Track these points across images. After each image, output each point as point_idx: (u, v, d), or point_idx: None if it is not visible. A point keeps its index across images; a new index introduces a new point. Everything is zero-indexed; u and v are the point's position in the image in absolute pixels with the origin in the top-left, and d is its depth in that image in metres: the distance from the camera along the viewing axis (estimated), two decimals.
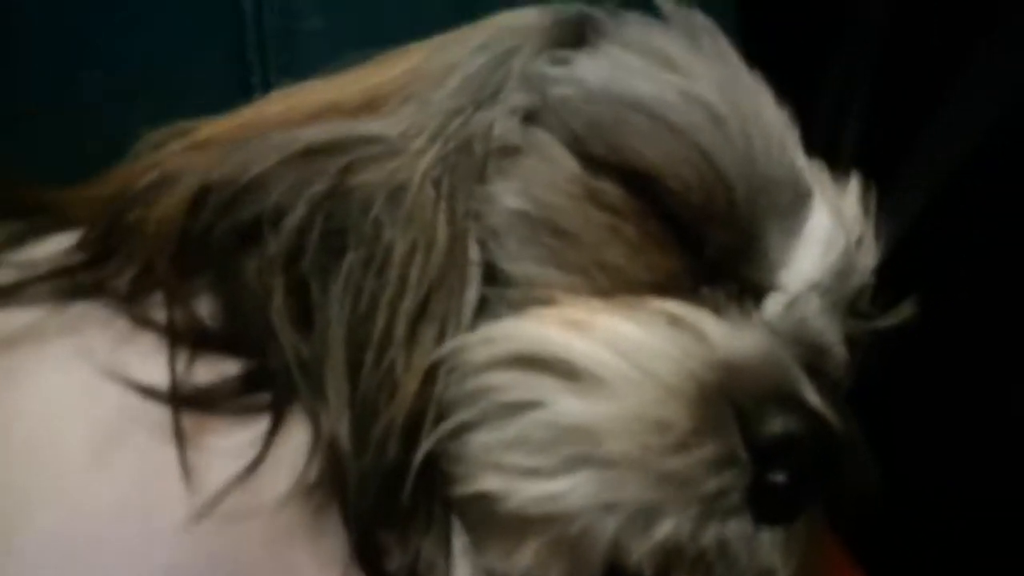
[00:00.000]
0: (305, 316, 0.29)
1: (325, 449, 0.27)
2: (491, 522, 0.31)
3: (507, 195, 0.32)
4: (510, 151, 0.32)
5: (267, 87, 0.45)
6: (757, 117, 0.33)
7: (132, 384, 0.26)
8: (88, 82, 0.46)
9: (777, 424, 0.29)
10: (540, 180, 0.32)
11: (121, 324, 0.28)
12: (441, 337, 0.30)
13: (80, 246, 0.30)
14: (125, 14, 0.46)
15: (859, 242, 0.38)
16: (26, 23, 0.46)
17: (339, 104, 0.37)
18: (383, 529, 0.28)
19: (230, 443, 0.26)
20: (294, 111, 0.37)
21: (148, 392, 0.26)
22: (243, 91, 0.46)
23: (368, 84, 0.38)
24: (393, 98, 0.36)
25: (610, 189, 0.32)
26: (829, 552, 0.33)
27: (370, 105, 0.37)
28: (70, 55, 0.46)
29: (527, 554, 0.31)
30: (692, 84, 0.33)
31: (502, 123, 0.33)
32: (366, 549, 0.28)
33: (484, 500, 0.30)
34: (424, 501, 0.30)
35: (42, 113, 0.46)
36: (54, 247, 0.30)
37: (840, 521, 0.33)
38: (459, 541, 0.31)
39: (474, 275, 0.31)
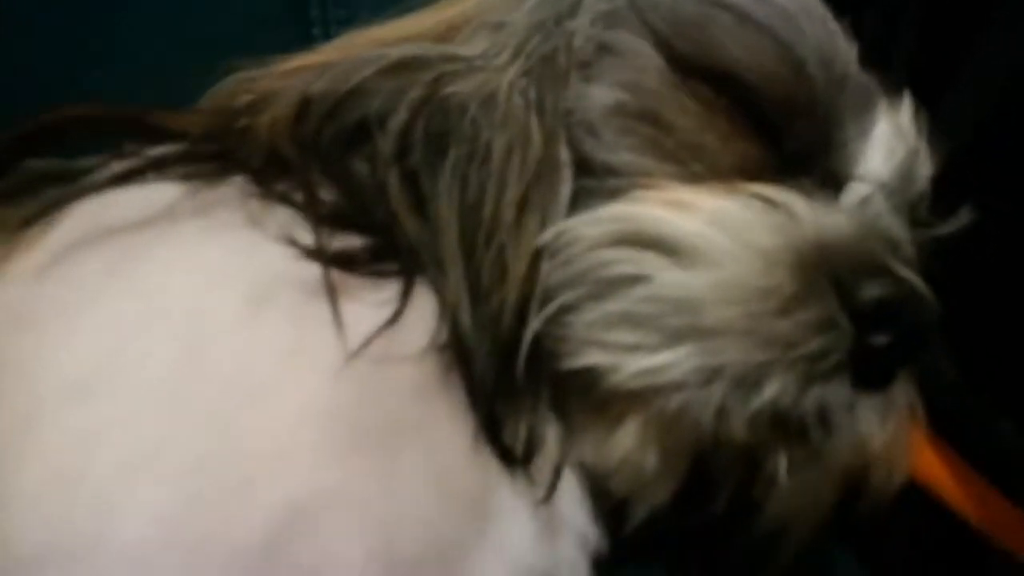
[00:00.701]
0: (419, 205, 0.31)
1: (449, 319, 0.29)
2: (592, 404, 0.32)
3: (601, 90, 0.33)
4: (599, 52, 0.34)
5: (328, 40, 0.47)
6: (825, 18, 0.35)
7: (290, 241, 0.27)
8: (149, 35, 0.47)
9: (874, 289, 0.30)
10: (632, 73, 0.33)
11: (253, 205, 0.29)
12: (543, 225, 0.31)
13: (197, 143, 0.31)
14: (129, 7, 0.48)
15: (916, 152, 0.39)
16: (27, 20, 0.47)
17: (418, 35, 0.39)
18: (502, 402, 0.30)
19: (371, 299, 0.28)
20: (376, 41, 0.39)
21: (303, 249, 0.27)
22: (305, 46, 0.48)
23: (442, 17, 0.39)
24: (465, 28, 0.38)
25: (697, 86, 0.33)
26: (919, 428, 0.34)
27: (447, 34, 0.38)
28: (132, 6, 0.47)
29: (627, 435, 0.32)
30: None
31: (585, 30, 0.34)
32: (487, 418, 0.29)
33: (588, 378, 0.31)
34: (535, 380, 0.31)
35: (102, 60, 0.47)
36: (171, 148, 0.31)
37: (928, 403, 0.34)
38: (553, 431, 0.33)
39: (568, 171, 0.33)
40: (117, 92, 0.46)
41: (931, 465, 0.37)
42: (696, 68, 0.33)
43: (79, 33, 0.48)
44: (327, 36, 0.49)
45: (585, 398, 0.32)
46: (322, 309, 0.27)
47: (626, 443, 0.33)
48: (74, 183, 0.31)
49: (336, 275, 0.28)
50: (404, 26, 0.40)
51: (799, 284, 0.30)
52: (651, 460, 0.33)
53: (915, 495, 0.36)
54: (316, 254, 0.28)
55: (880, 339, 0.30)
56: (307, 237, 0.28)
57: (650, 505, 0.35)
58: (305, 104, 0.33)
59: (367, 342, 0.27)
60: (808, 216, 0.31)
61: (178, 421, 0.25)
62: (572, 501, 0.33)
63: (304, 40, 0.49)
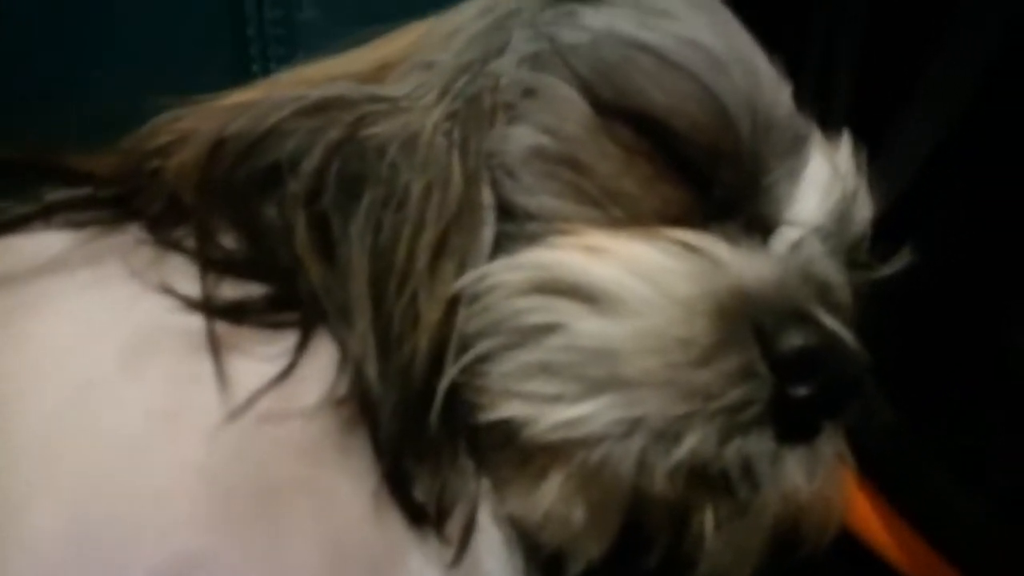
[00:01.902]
0: (326, 249, 0.30)
1: (353, 370, 0.28)
2: (514, 456, 0.31)
3: (522, 133, 0.32)
4: (522, 95, 0.33)
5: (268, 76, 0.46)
6: (753, 62, 0.35)
7: (169, 291, 0.26)
8: (90, 75, 0.47)
9: (795, 339, 0.29)
10: (554, 117, 0.33)
11: (146, 252, 0.28)
12: (461, 270, 0.31)
13: (100, 188, 0.30)
14: (126, 7, 0.47)
15: (854, 194, 0.39)
16: (27, 20, 0.47)
17: (347, 75, 0.38)
18: (411, 457, 0.28)
19: (261, 353, 0.27)
20: (304, 81, 0.38)
21: (184, 299, 0.26)
22: (245, 81, 0.47)
23: (373, 56, 0.39)
24: (399, 66, 0.37)
25: (621, 130, 0.33)
26: (849, 477, 0.33)
27: (377, 74, 0.38)
28: (71, 49, 0.47)
29: (551, 489, 0.31)
30: (690, 30, 0.34)
31: (511, 72, 0.34)
32: (394, 474, 0.28)
33: (507, 430, 0.30)
34: (450, 432, 0.30)
35: (44, 108, 0.46)
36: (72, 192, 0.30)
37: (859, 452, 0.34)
38: (481, 484, 0.32)
39: (489, 214, 0.32)
40: (119, 85, 0.46)
41: (863, 513, 0.36)
42: (618, 112, 0.32)
43: (81, 25, 0.47)
44: (266, 73, 0.49)
45: (507, 450, 0.31)
46: (205, 364, 0.26)
47: (551, 496, 0.31)
48: None
49: (227, 327, 0.27)
50: (337, 65, 0.39)
51: (719, 333, 0.29)
52: (578, 514, 0.32)
53: (847, 544, 0.35)
54: (199, 305, 0.27)
55: (800, 390, 0.29)
56: (199, 286, 0.27)
57: (584, 559, 0.34)
58: (219, 145, 0.32)
59: (251, 399, 0.25)
60: (730, 262, 0.31)
61: (51, 477, 0.24)
62: (496, 558, 0.32)
63: (244, 77, 0.49)
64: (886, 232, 0.40)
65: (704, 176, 0.33)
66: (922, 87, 0.45)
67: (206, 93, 0.39)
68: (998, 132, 0.41)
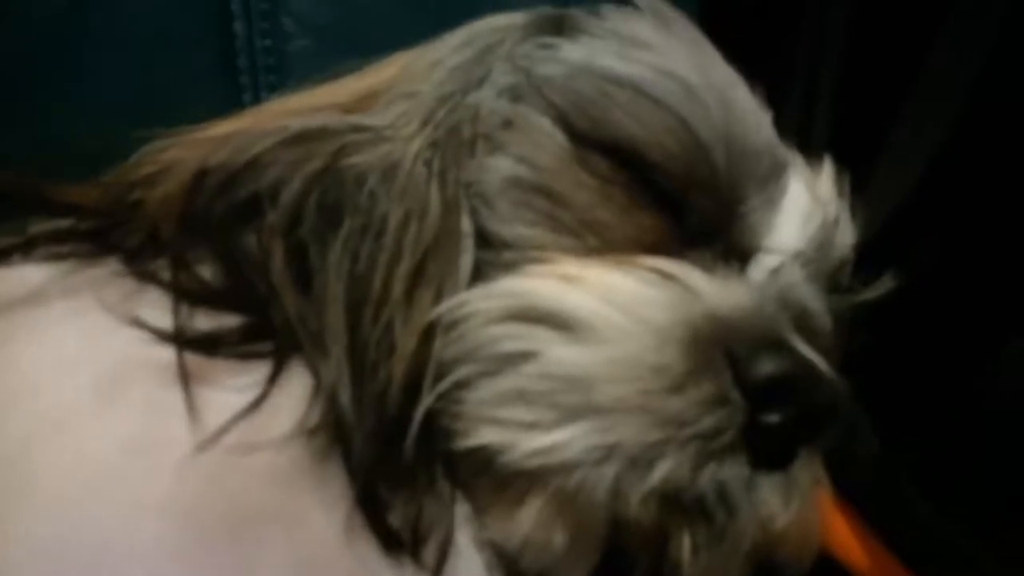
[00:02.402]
0: (303, 279, 0.30)
1: (326, 398, 0.28)
2: (491, 482, 0.31)
3: (500, 164, 0.33)
4: (501, 126, 0.34)
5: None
6: (731, 92, 0.35)
7: (143, 325, 0.26)
8: (79, 103, 0.47)
9: (768, 366, 0.29)
10: (531, 148, 0.33)
11: (123, 285, 0.28)
12: (438, 298, 0.31)
13: (81, 220, 0.30)
14: (118, 35, 0.48)
15: (836, 220, 0.39)
16: (14, 50, 0.47)
17: (332, 105, 0.39)
18: (386, 483, 0.29)
19: (233, 385, 0.27)
20: (288, 111, 0.39)
21: (154, 332, 0.27)
22: (235, 111, 0.48)
23: (358, 86, 0.39)
24: (383, 96, 0.38)
25: (597, 160, 0.33)
26: (829, 504, 0.33)
27: (361, 104, 0.38)
28: (56, 78, 0.48)
29: (528, 515, 0.31)
30: (666, 61, 0.34)
31: (490, 103, 0.34)
32: (368, 501, 0.28)
33: (484, 456, 0.30)
34: (426, 458, 0.30)
35: (30, 138, 0.47)
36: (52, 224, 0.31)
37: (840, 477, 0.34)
38: (460, 510, 0.32)
39: (467, 242, 0.32)
40: (110, 114, 0.47)
41: (842, 536, 0.36)
42: (594, 143, 0.33)
43: (74, 56, 0.48)
44: (257, 102, 0.49)
45: (485, 476, 0.31)
46: (176, 396, 0.26)
47: (529, 522, 0.32)
48: None
49: (200, 359, 0.27)
50: (322, 94, 0.40)
51: (692, 360, 0.29)
52: (557, 538, 0.32)
53: (826, 567, 0.35)
54: (170, 337, 0.27)
55: (772, 417, 0.29)
56: (175, 318, 0.27)
57: None
58: (201, 176, 0.33)
59: (221, 430, 0.26)
60: (705, 290, 0.31)
61: (22, 505, 0.24)
62: None
63: (234, 107, 0.49)
64: (870, 257, 0.40)
65: (680, 205, 0.33)
66: (905, 114, 0.45)
67: (196, 123, 0.39)
68: (981, 159, 0.41)
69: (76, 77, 0.48)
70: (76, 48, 0.48)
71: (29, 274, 0.29)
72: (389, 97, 0.38)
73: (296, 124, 0.35)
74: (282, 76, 0.50)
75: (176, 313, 0.27)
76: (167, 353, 0.27)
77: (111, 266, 0.29)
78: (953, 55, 0.45)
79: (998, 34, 0.41)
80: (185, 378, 0.26)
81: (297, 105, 0.39)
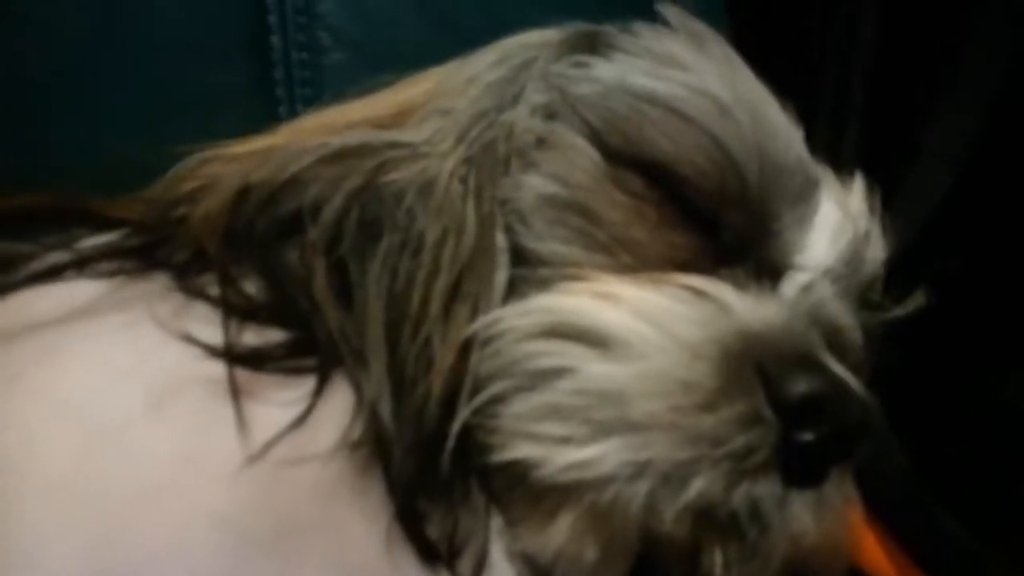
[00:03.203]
0: (345, 295, 0.31)
1: (368, 413, 0.29)
2: (525, 495, 0.32)
3: (534, 181, 0.34)
4: (535, 144, 0.34)
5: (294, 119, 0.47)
6: (762, 109, 0.35)
7: (194, 341, 0.27)
8: (115, 116, 0.48)
9: (801, 385, 0.30)
10: (565, 166, 0.34)
11: (173, 299, 0.29)
12: (474, 314, 0.31)
13: (128, 236, 0.31)
14: (152, 48, 0.49)
15: (867, 236, 0.39)
16: (55, 61, 0.48)
17: (368, 120, 0.39)
18: (424, 496, 0.29)
19: (279, 399, 0.28)
20: (325, 127, 0.39)
21: (207, 348, 0.27)
22: (271, 124, 0.49)
23: (394, 101, 0.40)
24: (418, 112, 0.39)
25: (630, 178, 0.33)
26: (859, 520, 0.34)
27: (397, 119, 0.39)
28: (92, 92, 0.49)
29: (561, 528, 0.32)
30: (699, 79, 0.35)
31: (524, 121, 0.35)
32: (407, 513, 0.29)
33: (518, 470, 0.31)
34: (462, 472, 0.31)
35: (68, 143, 0.48)
36: (102, 240, 0.32)
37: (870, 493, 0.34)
38: (494, 523, 0.32)
39: (503, 259, 0.33)
40: (146, 126, 0.48)
41: (872, 554, 0.36)
42: (627, 161, 0.33)
43: (110, 66, 0.49)
44: (293, 115, 0.50)
45: (519, 490, 0.32)
46: (226, 409, 0.27)
47: (562, 535, 0.32)
48: (15, 270, 0.32)
49: (247, 374, 0.28)
50: (358, 109, 0.40)
51: (725, 378, 0.30)
52: (590, 552, 0.32)
53: None
54: (219, 352, 0.28)
55: (806, 436, 0.29)
56: (224, 334, 0.28)
57: None
58: (244, 193, 0.34)
59: (270, 444, 0.26)
60: (737, 307, 0.31)
61: (71, 518, 0.25)
62: None
63: (270, 119, 0.50)
64: (902, 273, 0.40)
65: (712, 222, 0.34)
66: (933, 128, 0.45)
67: (232, 136, 0.40)
68: (1009, 172, 0.41)
69: (110, 90, 0.49)
70: (109, 61, 0.49)
71: (80, 288, 0.30)
72: (424, 113, 0.38)
73: (336, 141, 0.36)
74: (317, 89, 0.51)
75: (225, 328, 0.28)
76: (216, 368, 0.28)
77: (160, 281, 0.30)
78: (980, 69, 0.45)
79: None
80: (235, 392, 0.27)
81: (333, 120, 0.40)
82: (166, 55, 0.50)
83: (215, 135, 0.41)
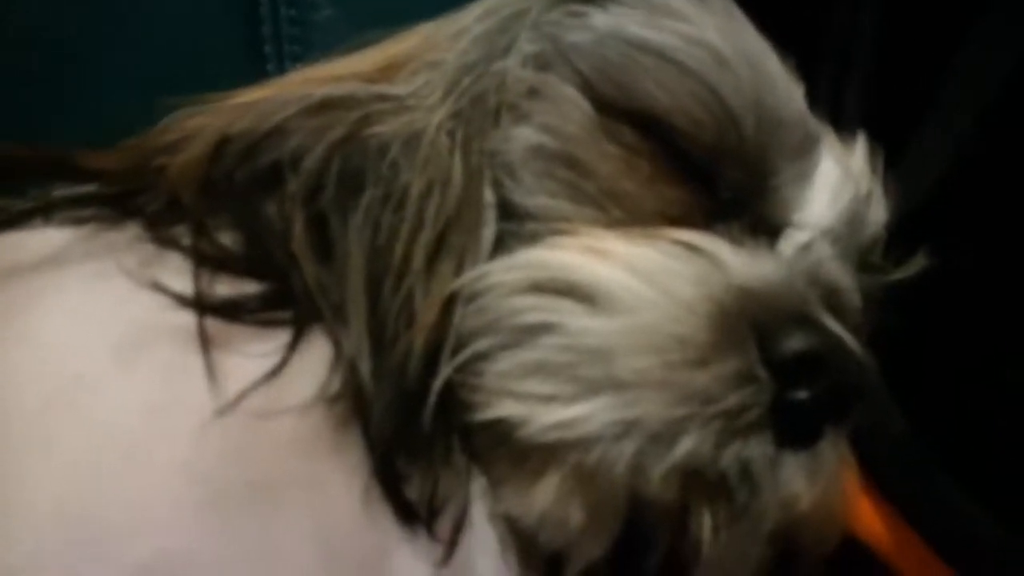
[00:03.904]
0: (324, 249, 0.30)
1: (346, 368, 0.28)
2: (509, 456, 0.31)
3: (523, 133, 0.32)
4: (527, 95, 0.33)
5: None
6: (762, 62, 0.34)
7: (163, 290, 0.26)
8: (105, 74, 0.47)
9: (796, 342, 0.29)
10: (555, 117, 0.32)
11: (145, 249, 0.28)
12: (459, 270, 0.31)
13: (104, 184, 0.30)
14: (142, 7, 0.48)
15: (868, 197, 0.38)
16: (36, 23, 0.47)
17: (355, 75, 0.38)
18: (403, 455, 0.28)
19: (253, 351, 0.27)
20: (312, 82, 0.38)
21: (177, 298, 0.26)
22: (259, 81, 0.48)
23: (382, 56, 0.39)
24: (407, 66, 0.38)
25: (623, 130, 0.32)
26: (854, 485, 0.33)
27: (384, 73, 0.38)
28: (81, 49, 0.48)
29: (546, 489, 0.31)
30: (697, 30, 0.34)
31: (515, 71, 0.34)
32: (386, 472, 0.28)
33: (501, 429, 0.30)
34: (443, 431, 0.30)
35: (54, 110, 0.47)
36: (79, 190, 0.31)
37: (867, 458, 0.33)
38: (476, 484, 0.32)
39: (490, 214, 0.32)
40: (133, 83, 0.47)
41: (867, 519, 0.35)
42: (620, 111, 0.32)
43: (98, 26, 0.48)
44: (282, 73, 0.49)
45: (502, 450, 0.31)
46: (197, 360, 0.26)
47: (547, 497, 0.31)
48: None
49: (219, 325, 0.27)
50: (345, 64, 0.39)
51: (718, 334, 0.29)
52: (575, 515, 0.32)
53: (851, 550, 0.34)
54: (190, 301, 0.27)
55: (800, 394, 0.28)
56: (195, 283, 0.27)
57: (584, 560, 0.34)
58: (223, 143, 0.33)
59: (242, 395, 0.26)
60: (732, 263, 0.30)
61: (43, 467, 0.25)
62: (489, 557, 0.31)
63: (258, 77, 0.49)
64: (903, 235, 0.39)
65: (708, 176, 0.33)
66: (943, 90, 0.44)
67: (221, 93, 0.39)
68: (1019, 139, 0.40)
69: (100, 50, 0.48)
70: (97, 21, 0.48)
71: (50, 237, 0.29)
72: (413, 67, 0.37)
73: (319, 92, 0.34)
74: (306, 47, 0.49)
75: (196, 278, 0.27)
76: (188, 318, 0.27)
77: (132, 231, 0.29)
78: (998, 29, 0.43)
79: None
80: (205, 343, 0.26)
81: (321, 75, 0.39)
82: (154, 14, 0.49)
83: (203, 92, 0.40)
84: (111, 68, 0.48)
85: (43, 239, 0.29)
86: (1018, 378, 0.39)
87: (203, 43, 0.49)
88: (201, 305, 0.27)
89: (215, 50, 0.50)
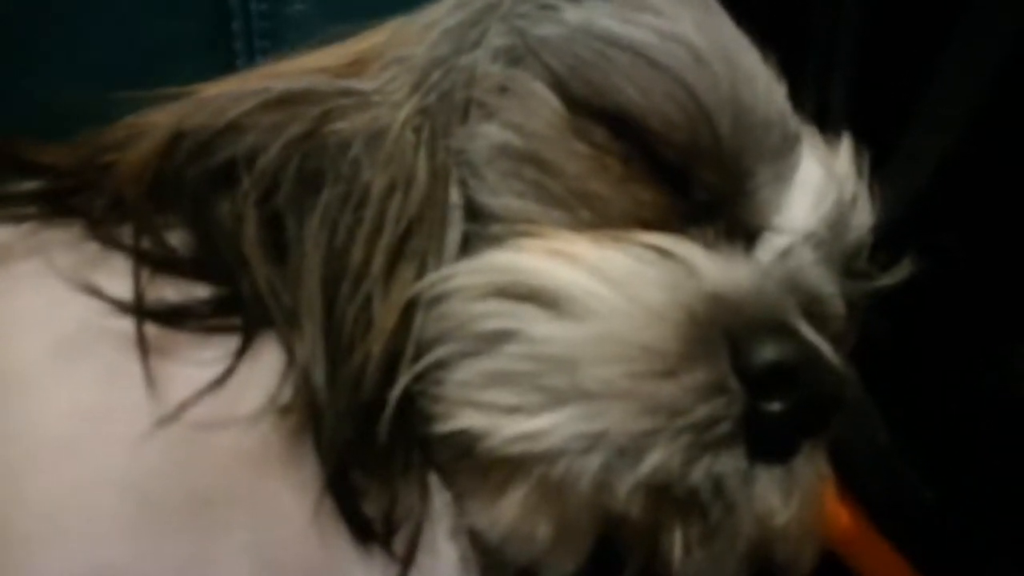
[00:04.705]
0: (278, 250, 0.29)
1: (299, 377, 0.26)
2: (472, 469, 0.29)
3: (489, 130, 0.31)
4: (495, 91, 0.32)
5: None
6: (740, 59, 0.33)
7: (98, 293, 0.25)
8: (71, 67, 0.46)
9: (769, 351, 0.27)
10: (522, 114, 0.31)
11: (89, 248, 0.27)
12: (421, 273, 0.29)
13: (50, 180, 0.29)
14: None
15: (853, 200, 0.37)
16: (10, 11, 0.46)
17: (322, 70, 0.37)
18: (360, 469, 0.27)
19: (198, 358, 0.25)
20: (274, 76, 0.37)
21: (112, 302, 0.25)
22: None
23: (350, 51, 0.38)
24: (376, 61, 0.36)
25: (593, 129, 0.31)
26: (832, 499, 0.31)
27: (351, 69, 0.36)
28: (45, 41, 0.46)
29: (511, 503, 0.29)
30: (672, 24, 0.32)
31: (484, 66, 0.32)
32: (340, 486, 0.26)
33: (464, 441, 0.28)
34: (402, 443, 0.28)
35: (21, 103, 0.46)
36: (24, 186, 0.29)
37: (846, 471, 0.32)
38: (440, 498, 0.30)
39: (455, 215, 0.31)
40: (101, 78, 0.46)
41: (845, 531, 0.34)
42: (591, 110, 0.31)
43: (62, 18, 0.47)
44: (252, 67, 0.47)
45: (465, 462, 0.30)
46: (137, 366, 0.25)
47: (512, 511, 0.30)
48: None
49: (163, 331, 0.25)
50: (311, 59, 0.38)
51: (688, 343, 0.27)
52: (542, 529, 0.30)
53: (828, 564, 0.33)
54: (128, 307, 0.25)
55: (774, 406, 0.27)
56: (134, 284, 0.26)
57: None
58: (176, 139, 0.31)
59: (184, 405, 0.24)
60: (705, 269, 0.29)
61: None
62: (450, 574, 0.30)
63: (228, 71, 0.48)
64: (890, 241, 0.38)
65: (682, 177, 0.31)
66: (930, 88, 0.42)
67: (185, 87, 0.38)
68: (1010, 141, 0.39)
69: (66, 40, 0.47)
70: (66, 10, 0.47)
71: None
72: (382, 62, 0.36)
73: (279, 86, 0.33)
74: (277, 41, 0.48)
75: (136, 278, 0.26)
76: (130, 322, 0.25)
77: (78, 229, 0.28)
78: (985, 25, 0.42)
79: None
80: (143, 348, 0.25)
81: (286, 70, 0.37)
82: (122, 5, 0.48)
83: (170, 87, 0.39)
84: (73, 60, 0.47)
85: None
86: (1003, 384, 0.38)
87: (171, 36, 0.48)
88: (140, 309, 0.25)
89: (183, 44, 0.48)
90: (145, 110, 0.36)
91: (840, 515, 0.33)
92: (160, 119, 0.33)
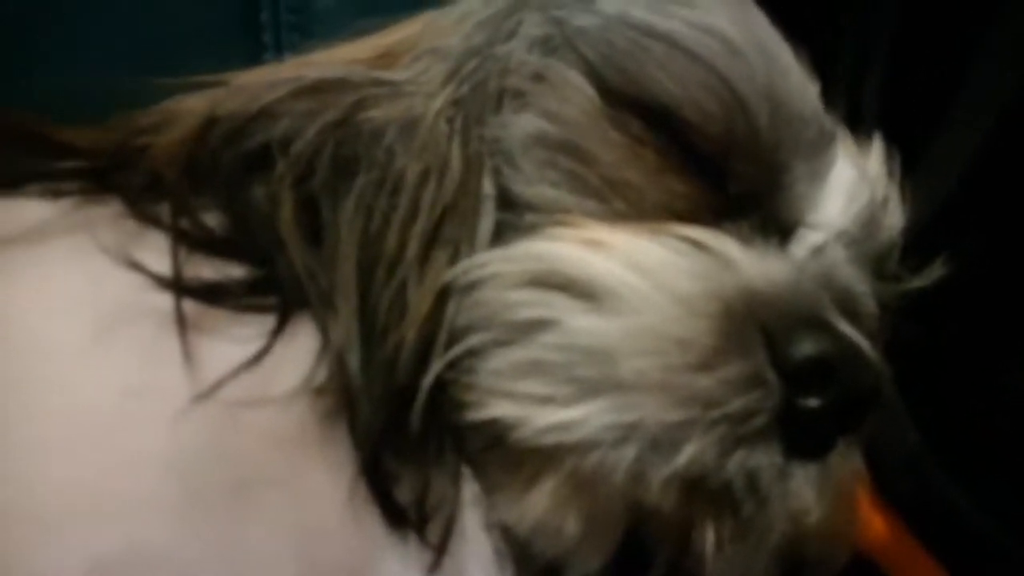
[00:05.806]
0: (313, 233, 0.29)
1: (334, 360, 0.26)
2: (503, 459, 0.29)
3: (524, 119, 0.31)
4: (530, 80, 0.32)
5: None
6: (775, 53, 0.33)
7: (140, 268, 0.25)
8: (97, 58, 0.46)
9: (807, 346, 0.27)
10: (558, 103, 0.31)
11: (127, 225, 0.27)
12: (454, 260, 0.29)
13: (89, 159, 0.29)
14: None
15: (884, 201, 0.37)
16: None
17: (355, 61, 0.37)
18: (393, 454, 0.27)
19: (236, 335, 0.25)
20: (307, 65, 0.37)
21: (154, 277, 0.25)
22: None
23: (382, 43, 0.38)
24: (408, 53, 0.36)
25: (629, 120, 0.31)
26: (866, 500, 0.31)
27: (384, 61, 0.36)
28: (82, 31, 0.46)
29: (541, 496, 0.29)
30: (707, 16, 0.32)
31: (520, 55, 0.32)
32: (374, 471, 0.26)
33: (495, 431, 0.28)
34: (435, 430, 0.28)
35: (48, 79, 0.46)
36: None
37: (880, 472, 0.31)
38: (469, 490, 0.30)
39: (488, 205, 0.30)
40: (129, 66, 0.46)
41: (879, 536, 0.33)
42: (626, 100, 0.31)
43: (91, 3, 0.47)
44: (279, 60, 0.48)
45: (496, 453, 0.29)
46: (177, 344, 0.25)
47: (542, 504, 0.29)
48: None
49: (201, 308, 0.25)
50: (343, 51, 0.38)
51: (723, 335, 0.27)
52: (572, 524, 0.30)
53: (861, 568, 0.33)
54: (167, 282, 0.25)
55: (811, 401, 0.27)
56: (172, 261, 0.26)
57: (581, 571, 0.32)
58: (211, 124, 0.31)
59: (220, 383, 0.24)
60: (741, 262, 0.29)
61: (13, 444, 0.23)
62: (483, 567, 0.30)
63: (256, 64, 0.48)
64: (920, 243, 0.38)
65: (718, 170, 0.31)
66: (963, 91, 0.42)
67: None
68: None
69: (94, 29, 0.47)
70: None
71: (30, 209, 0.27)
72: (414, 53, 0.36)
73: (312, 74, 0.33)
74: (305, 34, 0.48)
75: (174, 256, 0.26)
76: (169, 300, 0.25)
77: (116, 207, 0.28)
78: (1018, 29, 0.42)
79: None
80: (182, 325, 0.25)
81: (317, 61, 0.37)
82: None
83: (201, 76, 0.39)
84: (101, 48, 0.47)
85: (19, 211, 0.28)
86: None
87: (200, 27, 0.48)
88: (178, 286, 0.25)
89: (212, 36, 0.48)
90: (176, 97, 0.37)
91: (874, 521, 0.33)
92: (193, 105, 0.33)
